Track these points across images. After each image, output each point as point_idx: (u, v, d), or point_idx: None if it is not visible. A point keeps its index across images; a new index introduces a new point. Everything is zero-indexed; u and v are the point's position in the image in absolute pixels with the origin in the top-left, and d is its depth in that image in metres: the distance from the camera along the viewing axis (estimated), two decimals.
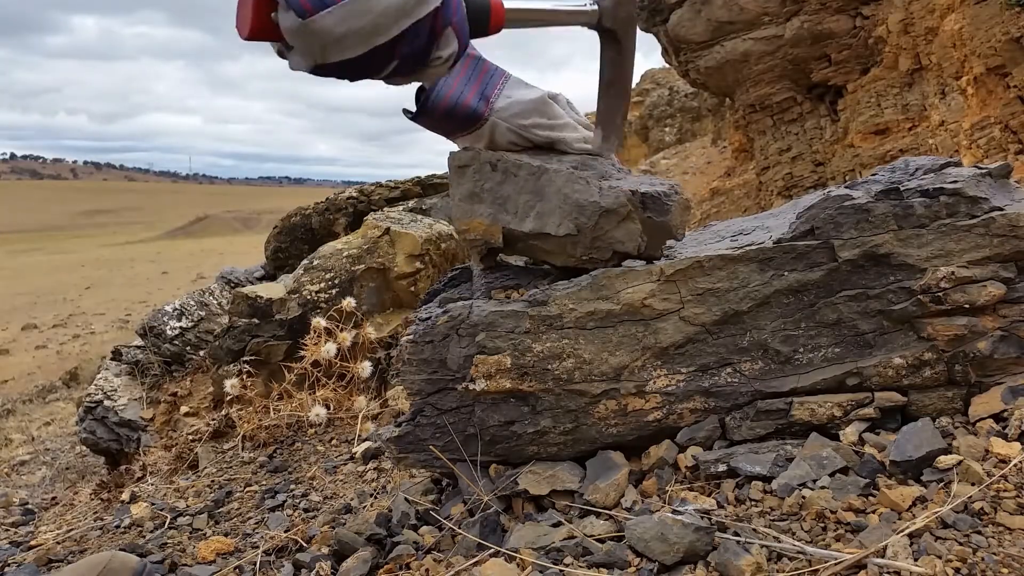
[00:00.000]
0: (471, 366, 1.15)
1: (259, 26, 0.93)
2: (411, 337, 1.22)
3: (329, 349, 2.07)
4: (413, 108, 1.14)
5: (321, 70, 0.95)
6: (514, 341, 1.14)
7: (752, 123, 9.58)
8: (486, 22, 1.05)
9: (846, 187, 1.15)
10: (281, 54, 1.00)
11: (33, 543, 1.62)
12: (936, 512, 0.88)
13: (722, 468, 1.06)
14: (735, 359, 1.12)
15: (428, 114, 1.15)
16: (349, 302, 2.21)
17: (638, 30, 1.31)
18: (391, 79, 1.00)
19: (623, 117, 1.27)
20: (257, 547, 1.33)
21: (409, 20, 0.92)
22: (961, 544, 0.82)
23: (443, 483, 1.31)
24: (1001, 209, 1.06)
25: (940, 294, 1.05)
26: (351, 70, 0.95)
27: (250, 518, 1.52)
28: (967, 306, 1.05)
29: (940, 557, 0.80)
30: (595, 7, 1.14)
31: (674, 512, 0.95)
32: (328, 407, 2.04)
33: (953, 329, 1.07)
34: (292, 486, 1.68)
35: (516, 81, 1.20)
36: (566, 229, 1.13)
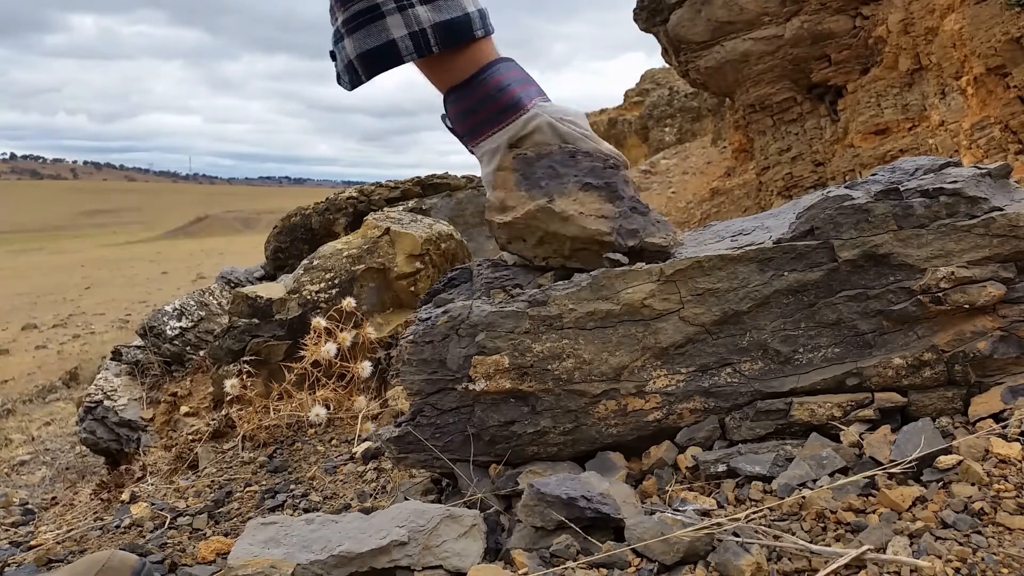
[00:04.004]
0: (471, 366, 1.15)
1: None
2: (411, 337, 1.22)
3: (329, 349, 2.07)
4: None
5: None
6: (514, 341, 1.14)
7: (752, 123, 9.59)
8: None
9: (846, 187, 1.14)
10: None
11: (33, 543, 1.62)
12: (936, 512, 0.88)
13: (722, 468, 1.06)
14: (735, 359, 1.12)
15: (479, 85, 1.15)
16: (349, 302, 2.21)
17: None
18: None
19: None
20: None
21: None
22: (961, 544, 0.82)
23: (443, 483, 1.31)
24: (1001, 209, 1.06)
25: (940, 294, 1.05)
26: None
27: (250, 518, 1.51)
28: (967, 306, 1.05)
29: (940, 557, 0.80)
30: None
31: (674, 512, 0.95)
32: (328, 407, 2.04)
33: (953, 329, 1.07)
34: (292, 486, 1.68)
35: (548, 99, 1.23)
36: None
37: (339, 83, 1.19)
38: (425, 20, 1.11)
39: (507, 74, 1.17)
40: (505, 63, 1.19)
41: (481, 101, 1.17)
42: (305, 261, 2.54)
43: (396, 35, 1.11)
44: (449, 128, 1.24)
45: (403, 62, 1.13)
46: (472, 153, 1.23)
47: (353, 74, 1.16)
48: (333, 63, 1.20)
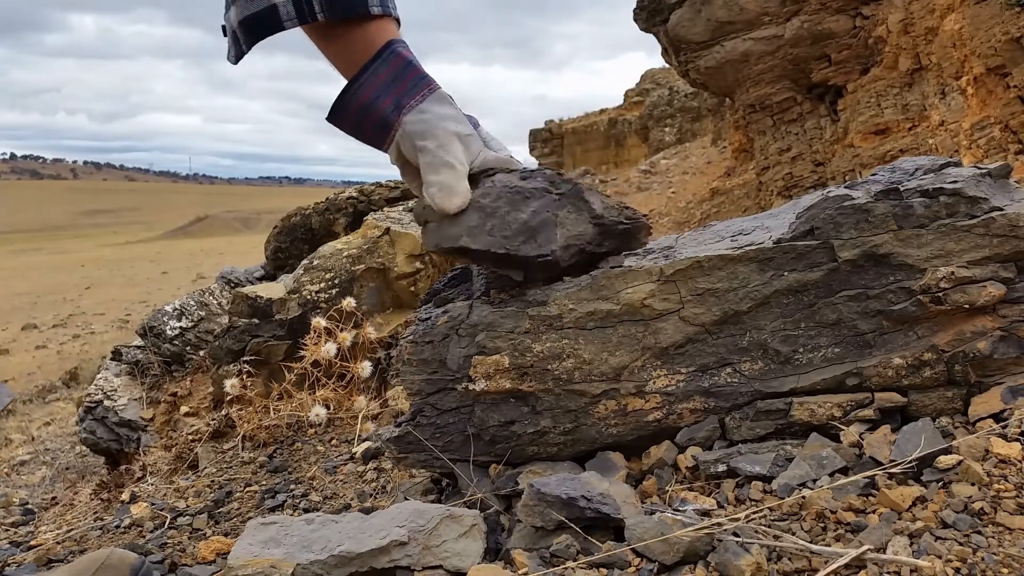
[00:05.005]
0: (471, 366, 1.15)
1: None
2: (411, 337, 1.22)
3: (329, 349, 2.07)
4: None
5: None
6: (514, 341, 1.14)
7: (752, 123, 9.59)
8: None
9: (846, 187, 1.14)
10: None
11: (33, 543, 1.62)
12: (936, 512, 0.88)
13: (722, 468, 1.06)
14: (735, 359, 1.12)
15: (344, 111, 1.09)
16: (349, 302, 2.21)
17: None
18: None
19: None
20: None
21: None
22: (961, 544, 0.82)
23: (443, 483, 1.31)
24: (1001, 209, 1.06)
25: (940, 294, 1.05)
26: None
27: (250, 518, 1.51)
28: (967, 306, 1.05)
29: (940, 557, 0.80)
30: None
31: (674, 512, 0.95)
32: (328, 407, 2.04)
33: (953, 329, 1.06)
34: (292, 486, 1.68)
35: (441, 96, 1.09)
36: None
37: (228, 59, 1.14)
38: None
39: (375, 82, 1.08)
40: (382, 61, 1.08)
41: (356, 125, 1.10)
42: (305, 261, 2.55)
43: None
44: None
45: (283, 28, 1.07)
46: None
47: (236, 44, 1.10)
48: (224, 37, 1.14)
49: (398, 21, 1.13)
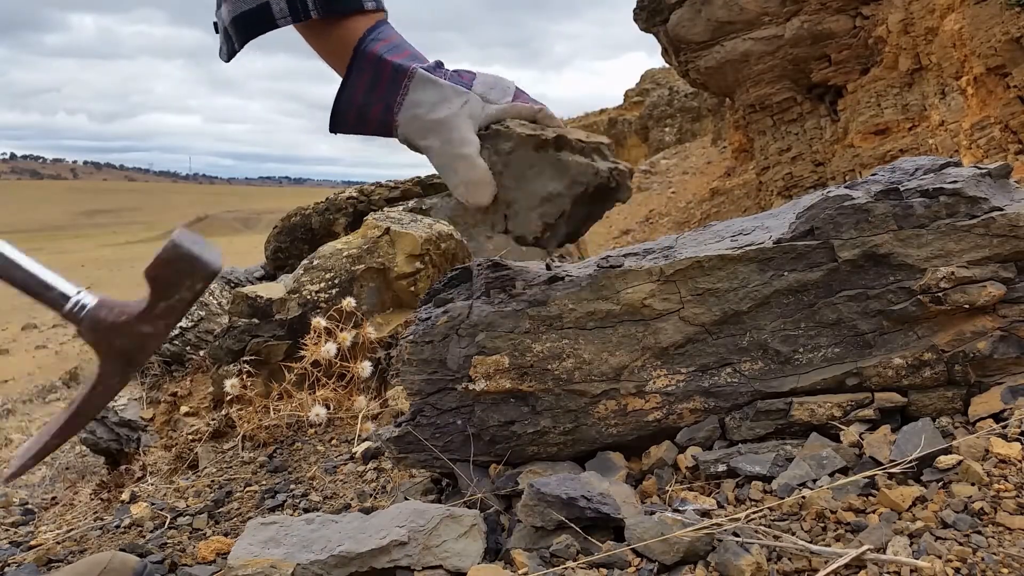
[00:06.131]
0: (471, 366, 1.15)
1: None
2: (411, 337, 1.22)
3: (329, 349, 2.07)
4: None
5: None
6: (514, 341, 1.14)
7: (752, 123, 9.59)
8: None
9: (846, 187, 1.14)
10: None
11: (33, 543, 1.62)
12: (936, 512, 0.88)
13: (722, 468, 1.06)
14: (735, 359, 1.12)
15: (342, 118, 1.08)
16: (349, 302, 2.21)
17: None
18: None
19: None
20: None
21: None
22: (961, 544, 0.82)
23: (443, 483, 1.31)
24: (1001, 209, 1.06)
25: (940, 294, 1.05)
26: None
27: (250, 518, 1.51)
28: (967, 306, 1.05)
29: (940, 557, 0.81)
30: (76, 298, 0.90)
31: (674, 512, 0.95)
32: (328, 407, 2.04)
33: (953, 329, 1.07)
34: (292, 486, 1.68)
35: (421, 79, 1.03)
36: None
37: (220, 56, 1.13)
38: None
39: (359, 87, 1.06)
40: (357, 67, 1.06)
41: (361, 128, 1.08)
42: (305, 261, 2.54)
43: None
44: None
45: (276, 26, 1.05)
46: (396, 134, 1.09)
47: (228, 42, 1.09)
48: (216, 34, 1.13)
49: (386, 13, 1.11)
